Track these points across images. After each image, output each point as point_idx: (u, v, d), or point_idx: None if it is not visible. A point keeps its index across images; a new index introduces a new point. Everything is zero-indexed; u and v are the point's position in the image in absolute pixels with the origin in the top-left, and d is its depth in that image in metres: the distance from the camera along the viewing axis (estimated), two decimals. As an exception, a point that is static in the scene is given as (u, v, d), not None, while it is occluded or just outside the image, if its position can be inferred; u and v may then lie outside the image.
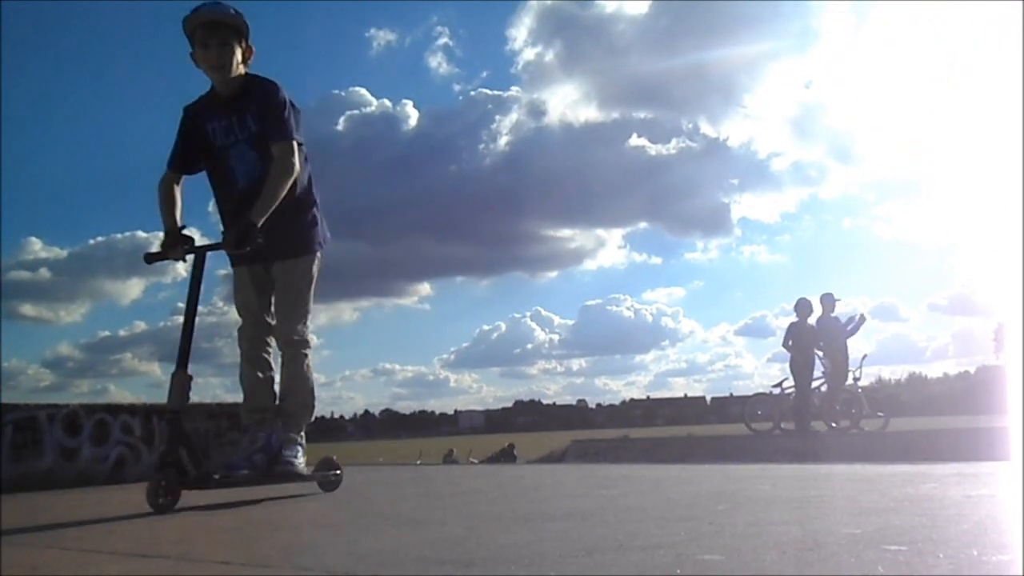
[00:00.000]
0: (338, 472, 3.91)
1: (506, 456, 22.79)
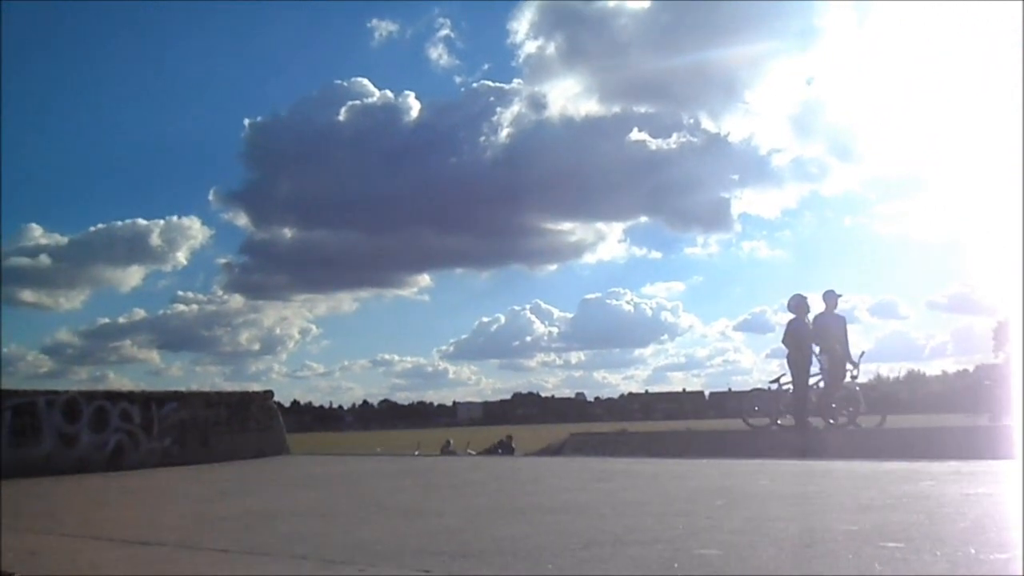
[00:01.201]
0: None
1: (504, 448, 22.79)
